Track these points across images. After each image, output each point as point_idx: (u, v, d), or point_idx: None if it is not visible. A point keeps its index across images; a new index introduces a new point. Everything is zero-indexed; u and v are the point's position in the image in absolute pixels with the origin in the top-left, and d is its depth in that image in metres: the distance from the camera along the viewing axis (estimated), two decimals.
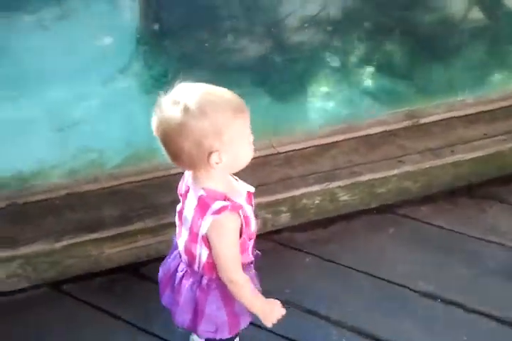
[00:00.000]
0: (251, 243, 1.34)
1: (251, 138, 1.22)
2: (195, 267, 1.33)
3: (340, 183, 2.06)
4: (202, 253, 1.28)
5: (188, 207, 1.25)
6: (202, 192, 1.20)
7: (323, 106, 2.74)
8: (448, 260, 2.04)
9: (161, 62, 3.31)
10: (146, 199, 1.98)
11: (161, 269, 1.48)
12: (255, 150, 1.22)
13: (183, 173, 1.33)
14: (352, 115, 2.40)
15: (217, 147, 1.14)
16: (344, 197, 2.13)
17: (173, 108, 1.13)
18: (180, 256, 1.38)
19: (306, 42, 3.20)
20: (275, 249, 2.10)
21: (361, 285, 1.96)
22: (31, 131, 2.16)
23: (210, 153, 1.14)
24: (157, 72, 3.23)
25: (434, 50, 3.06)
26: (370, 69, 3.04)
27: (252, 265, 1.41)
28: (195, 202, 1.22)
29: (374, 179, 2.10)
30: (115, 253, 1.93)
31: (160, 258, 2.05)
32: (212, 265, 1.29)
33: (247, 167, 1.23)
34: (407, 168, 2.13)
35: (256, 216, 1.33)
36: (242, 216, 1.22)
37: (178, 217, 1.33)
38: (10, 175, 1.96)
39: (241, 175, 1.29)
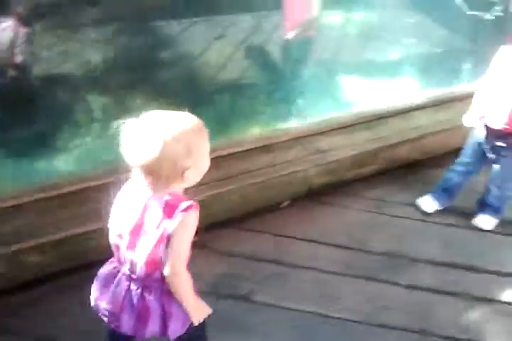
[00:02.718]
0: None
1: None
2: (157, 274, 1.40)
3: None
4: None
5: (150, 216, 1.36)
6: (167, 197, 1.35)
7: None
8: None
9: None
10: None
11: (104, 303, 1.48)
12: None
13: None
14: None
15: (190, 164, 1.33)
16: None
17: (148, 140, 1.28)
18: (127, 279, 1.43)
19: None
20: None
21: None
22: None
23: (183, 171, 1.33)
24: None
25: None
26: None
27: None
28: (160, 208, 1.35)
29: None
30: None
31: None
32: None
33: None
34: None
35: None
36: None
37: (132, 233, 1.38)
38: None
39: None
